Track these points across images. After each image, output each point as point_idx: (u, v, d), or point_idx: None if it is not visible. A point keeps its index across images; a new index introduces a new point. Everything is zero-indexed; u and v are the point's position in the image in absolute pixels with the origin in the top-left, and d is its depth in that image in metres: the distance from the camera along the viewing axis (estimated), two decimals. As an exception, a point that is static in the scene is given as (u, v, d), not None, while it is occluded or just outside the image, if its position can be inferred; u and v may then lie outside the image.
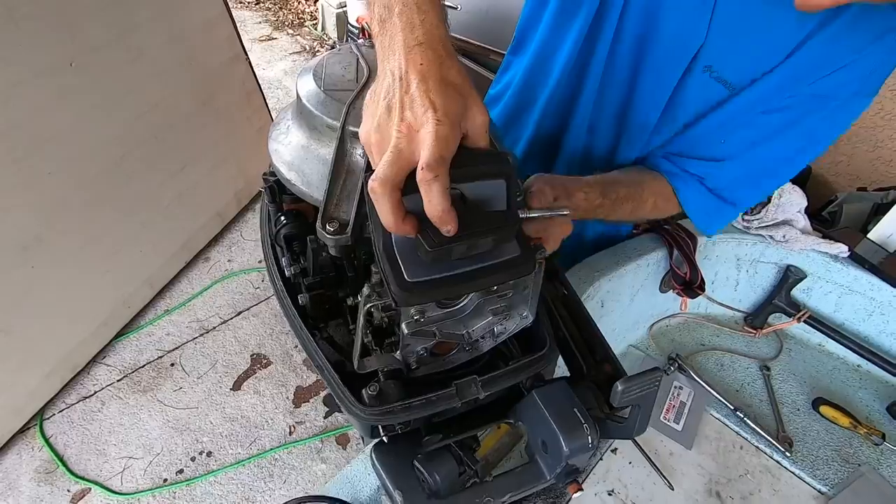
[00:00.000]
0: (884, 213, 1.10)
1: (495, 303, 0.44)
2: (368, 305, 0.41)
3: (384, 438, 0.48)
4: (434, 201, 0.34)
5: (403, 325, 0.40)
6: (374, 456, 0.49)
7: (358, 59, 0.57)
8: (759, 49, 0.63)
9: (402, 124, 0.36)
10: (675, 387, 0.95)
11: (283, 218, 0.61)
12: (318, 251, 0.53)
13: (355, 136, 0.46)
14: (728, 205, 0.75)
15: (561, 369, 0.57)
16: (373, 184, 0.35)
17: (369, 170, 0.40)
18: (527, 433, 0.50)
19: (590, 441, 0.45)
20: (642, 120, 0.75)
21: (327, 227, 0.43)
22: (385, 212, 0.35)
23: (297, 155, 0.51)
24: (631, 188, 0.72)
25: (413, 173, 0.36)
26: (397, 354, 0.44)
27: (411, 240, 0.37)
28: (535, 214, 0.47)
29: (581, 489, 0.50)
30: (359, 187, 0.45)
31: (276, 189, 0.61)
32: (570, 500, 0.78)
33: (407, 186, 0.36)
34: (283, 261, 0.58)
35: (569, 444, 0.44)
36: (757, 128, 0.69)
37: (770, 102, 0.66)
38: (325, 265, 0.55)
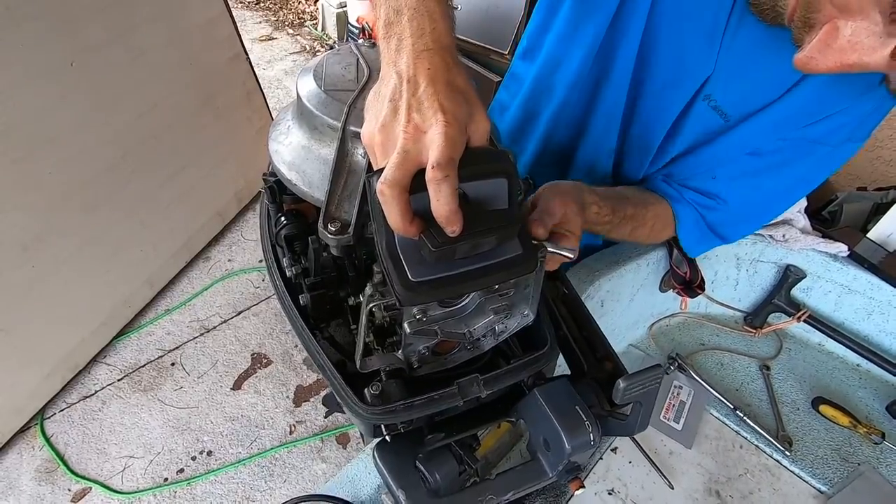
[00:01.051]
0: (883, 213, 1.10)
1: (497, 301, 0.44)
2: (371, 305, 0.41)
3: (387, 437, 0.48)
4: (442, 201, 0.34)
5: (405, 325, 0.40)
6: (376, 455, 0.49)
7: (358, 60, 0.57)
8: (757, 83, 0.64)
9: (409, 125, 0.36)
10: (675, 386, 0.95)
11: (283, 218, 0.61)
12: (319, 251, 0.54)
13: (356, 136, 0.47)
14: (718, 238, 0.78)
15: (561, 368, 0.58)
16: (381, 186, 0.35)
17: (370, 170, 0.41)
18: (528, 431, 0.51)
19: (591, 438, 0.45)
20: (644, 142, 0.76)
21: (329, 227, 0.43)
22: (394, 214, 0.35)
23: (297, 155, 0.51)
24: (637, 208, 0.72)
25: (417, 174, 0.36)
26: (399, 354, 0.44)
27: (414, 239, 0.37)
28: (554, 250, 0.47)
29: (583, 486, 0.50)
30: (360, 187, 0.45)
31: (277, 189, 0.61)
32: (570, 498, 0.78)
33: (412, 187, 0.36)
34: (284, 261, 0.58)
35: (571, 441, 0.45)
36: (748, 168, 0.70)
37: (762, 142, 0.67)
38: (327, 265, 0.55)
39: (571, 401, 0.48)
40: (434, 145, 0.35)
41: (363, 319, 0.42)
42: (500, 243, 0.39)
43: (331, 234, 0.43)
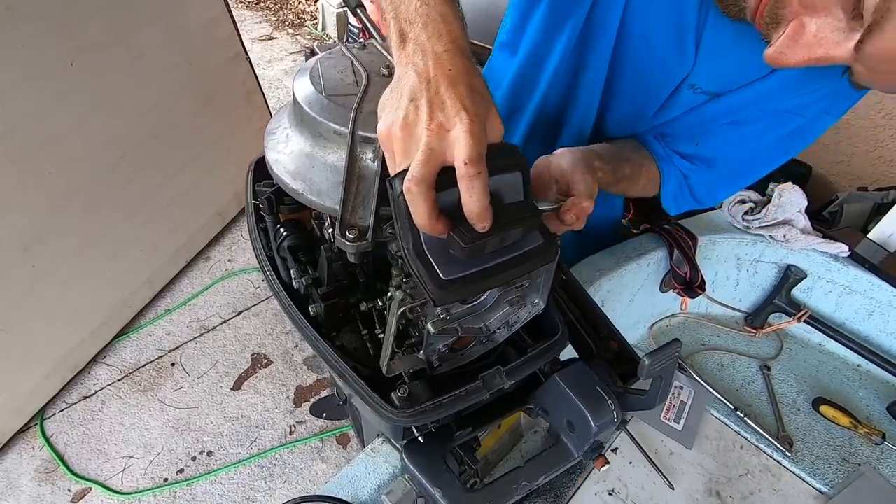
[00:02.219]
0: (884, 213, 1.10)
1: (512, 293, 0.44)
2: (403, 308, 0.41)
3: (419, 438, 0.49)
4: (475, 197, 0.35)
5: (430, 325, 0.41)
6: (405, 457, 0.49)
7: (352, 62, 0.56)
8: (742, 69, 0.67)
9: (433, 123, 0.36)
10: (676, 386, 0.95)
11: (283, 230, 0.60)
12: (332, 259, 0.53)
13: (363, 140, 0.46)
14: (695, 202, 0.81)
15: (564, 354, 0.58)
16: (409, 184, 0.35)
17: (386, 174, 0.40)
18: (550, 416, 0.52)
19: (615, 416, 0.47)
20: (623, 131, 0.80)
21: (347, 234, 0.42)
22: (421, 212, 0.35)
23: (301, 163, 0.50)
24: (633, 169, 0.74)
25: (441, 172, 0.36)
26: (420, 354, 0.45)
27: (440, 239, 0.37)
28: (545, 208, 0.47)
29: (608, 462, 0.52)
30: (375, 191, 0.45)
31: (274, 200, 0.60)
32: (571, 497, 0.78)
33: (437, 185, 0.36)
34: (292, 272, 0.57)
35: (596, 420, 0.46)
36: (728, 135, 0.73)
37: (741, 113, 0.70)
38: (339, 273, 0.55)
39: (591, 382, 0.49)
40: (461, 143, 0.35)
41: (392, 323, 0.42)
42: (525, 234, 0.40)
43: (349, 241, 0.42)
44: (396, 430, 0.47)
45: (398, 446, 0.57)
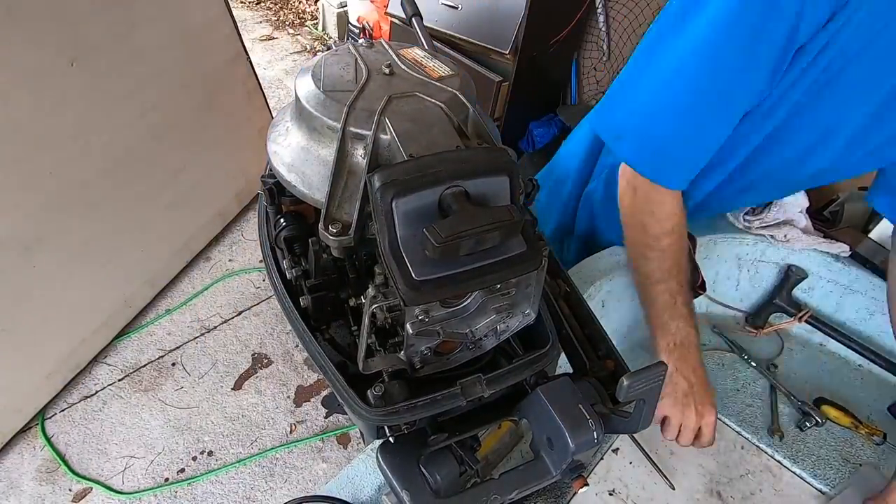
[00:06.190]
0: (885, 213, 1.10)
1: (498, 301, 0.44)
2: (374, 306, 0.41)
3: (391, 439, 0.48)
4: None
5: (408, 325, 0.40)
6: (379, 456, 0.49)
7: (356, 60, 0.57)
8: None
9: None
10: (676, 386, 0.95)
11: (282, 220, 0.60)
12: (319, 253, 0.53)
13: (355, 136, 0.46)
14: None
15: (563, 367, 0.58)
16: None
17: (371, 170, 0.40)
18: (532, 430, 0.51)
19: (595, 436, 0.45)
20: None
21: (330, 228, 0.42)
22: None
23: (297, 156, 0.51)
24: None
25: None
26: (401, 354, 0.44)
27: (418, 239, 0.37)
28: None
29: (587, 484, 0.50)
30: (360, 188, 0.45)
31: (276, 191, 0.61)
32: (571, 498, 0.78)
33: None
34: (285, 263, 0.58)
35: (574, 440, 0.45)
36: None
37: None
38: (327, 267, 0.55)
39: (574, 399, 0.48)
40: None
41: (366, 321, 0.42)
42: (505, 240, 0.39)
43: (332, 235, 0.42)
44: (370, 428, 0.46)
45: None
